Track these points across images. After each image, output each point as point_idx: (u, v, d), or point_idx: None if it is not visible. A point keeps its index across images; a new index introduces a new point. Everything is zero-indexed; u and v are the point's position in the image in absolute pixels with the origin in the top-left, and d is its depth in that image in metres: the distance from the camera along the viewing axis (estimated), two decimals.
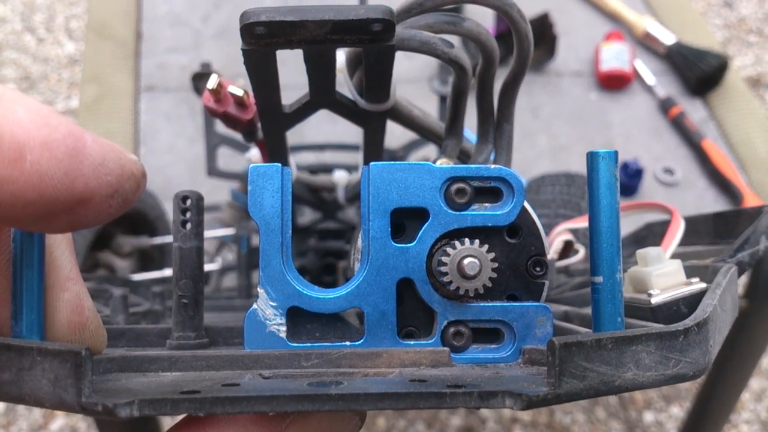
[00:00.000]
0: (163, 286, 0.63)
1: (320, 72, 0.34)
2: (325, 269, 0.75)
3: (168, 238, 0.88)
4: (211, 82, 0.39)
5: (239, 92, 0.40)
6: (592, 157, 0.26)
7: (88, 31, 1.19)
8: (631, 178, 1.12)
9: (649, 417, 1.37)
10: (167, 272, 0.80)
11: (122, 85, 1.14)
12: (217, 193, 0.95)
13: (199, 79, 0.82)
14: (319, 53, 0.31)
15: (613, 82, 1.26)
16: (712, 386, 1.04)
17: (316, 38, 0.29)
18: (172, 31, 1.25)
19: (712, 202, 1.13)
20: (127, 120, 1.10)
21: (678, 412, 1.38)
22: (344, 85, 0.38)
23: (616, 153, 0.26)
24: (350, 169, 0.74)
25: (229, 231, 0.84)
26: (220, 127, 0.85)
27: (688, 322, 0.26)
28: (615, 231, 0.26)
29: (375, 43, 0.30)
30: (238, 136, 0.83)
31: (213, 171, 0.85)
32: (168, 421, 1.19)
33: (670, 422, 1.36)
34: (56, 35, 2.13)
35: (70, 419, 1.29)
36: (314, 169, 0.81)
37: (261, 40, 0.29)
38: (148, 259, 0.93)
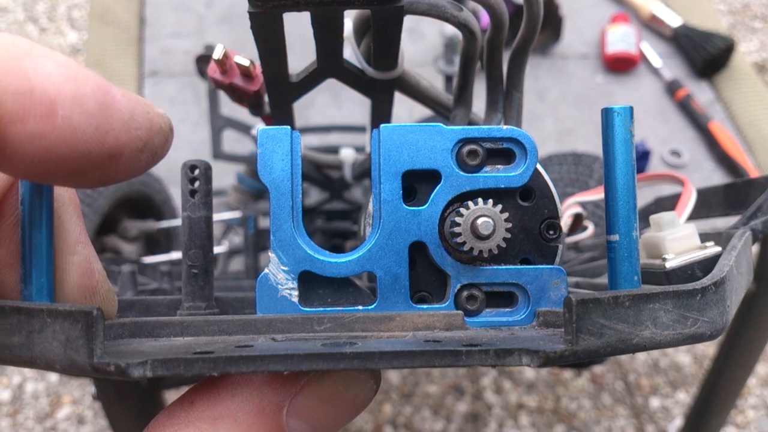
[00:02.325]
0: (171, 266, 0.63)
1: (328, 37, 0.33)
2: (332, 250, 0.75)
3: (174, 222, 0.88)
4: (217, 52, 0.38)
5: (245, 62, 0.39)
6: (607, 114, 0.25)
7: (91, 17, 1.19)
8: (638, 161, 1.11)
9: (655, 402, 1.36)
10: (174, 255, 0.80)
11: (126, 70, 1.14)
12: (223, 176, 0.94)
13: (203, 61, 0.82)
14: (327, 16, 0.31)
15: (620, 65, 1.26)
16: (719, 371, 1.03)
17: (323, 0, 0.28)
18: (175, 15, 1.24)
19: None
20: None
21: (684, 397, 1.37)
22: (352, 54, 0.37)
23: (631, 108, 0.25)
24: (356, 149, 0.74)
25: (235, 214, 0.84)
26: (225, 109, 0.84)
27: (706, 281, 0.26)
28: (631, 188, 0.25)
29: (383, 5, 0.29)
30: (243, 118, 0.83)
31: (218, 154, 0.85)
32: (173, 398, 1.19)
33: (676, 408, 1.36)
34: (59, 25, 2.12)
35: (76, 407, 1.29)
36: (320, 151, 0.81)
37: (268, 3, 0.29)
38: (155, 244, 0.92)
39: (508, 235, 0.27)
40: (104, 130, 0.21)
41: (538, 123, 1.18)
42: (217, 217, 0.84)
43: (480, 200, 0.27)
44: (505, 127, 0.28)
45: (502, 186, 0.28)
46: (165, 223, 0.88)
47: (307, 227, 0.74)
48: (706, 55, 1.25)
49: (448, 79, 0.82)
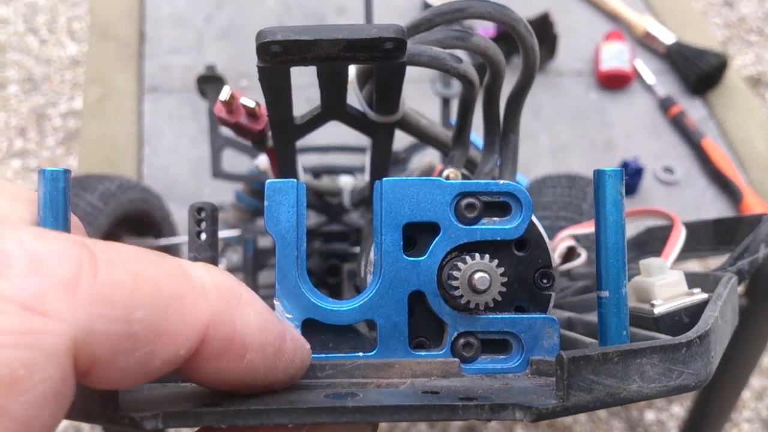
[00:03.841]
0: None
1: (332, 87, 0.34)
2: (330, 271, 0.76)
3: (173, 240, 0.89)
4: (224, 94, 0.40)
5: (251, 104, 0.40)
6: (598, 176, 0.27)
7: (91, 32, 1.20)
8: (631, 177, 1.13)
9: (650, 416, 1.38)
10: None
11: (126, 85, 1.15)
12: (221, 193, 0.95)
13: (204, 81, 0.83)
14: (332, 70, 0.32)
15: (614, 82, 1.27)
16: (713, 385, 1.04)
17: (329, 56, 0.30)
18: (174, 31, 1.25)
19: (712, 201, 1.14)
20: (130, 121, 1.11)
21: (679, 411, 1.39)
22: (354, 96, 0.38)
23: (622, 171, 0.27)
24: (354, 171, 0.75)
25: (233, 232, 0.85)
26: (225, 129, 0.85)
27: (691, 334, 0.27)
28: (621, 247, 0.27)
29: (387, 60, 0.30)
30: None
31: (218, 173, 0.86)
32: None
33: (671, 421, 1.37)
34: (59, 36, 2.13)
35: None
36: (318, 171, 0.82)
37: (276, 58, 0.30)
38: None
39: (504, 289, 0.29)
40: (271, 370, 0.24)
41: (533, 140, 1.20)
42: None
43: (477, 255, 0.28)
44: (501, 182, 0.29)
45: (499, 238, 0.29)
46: (164, 241, 0.89)
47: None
48: (699, 72, 1.26)
49: (445, 102, 0.84)
